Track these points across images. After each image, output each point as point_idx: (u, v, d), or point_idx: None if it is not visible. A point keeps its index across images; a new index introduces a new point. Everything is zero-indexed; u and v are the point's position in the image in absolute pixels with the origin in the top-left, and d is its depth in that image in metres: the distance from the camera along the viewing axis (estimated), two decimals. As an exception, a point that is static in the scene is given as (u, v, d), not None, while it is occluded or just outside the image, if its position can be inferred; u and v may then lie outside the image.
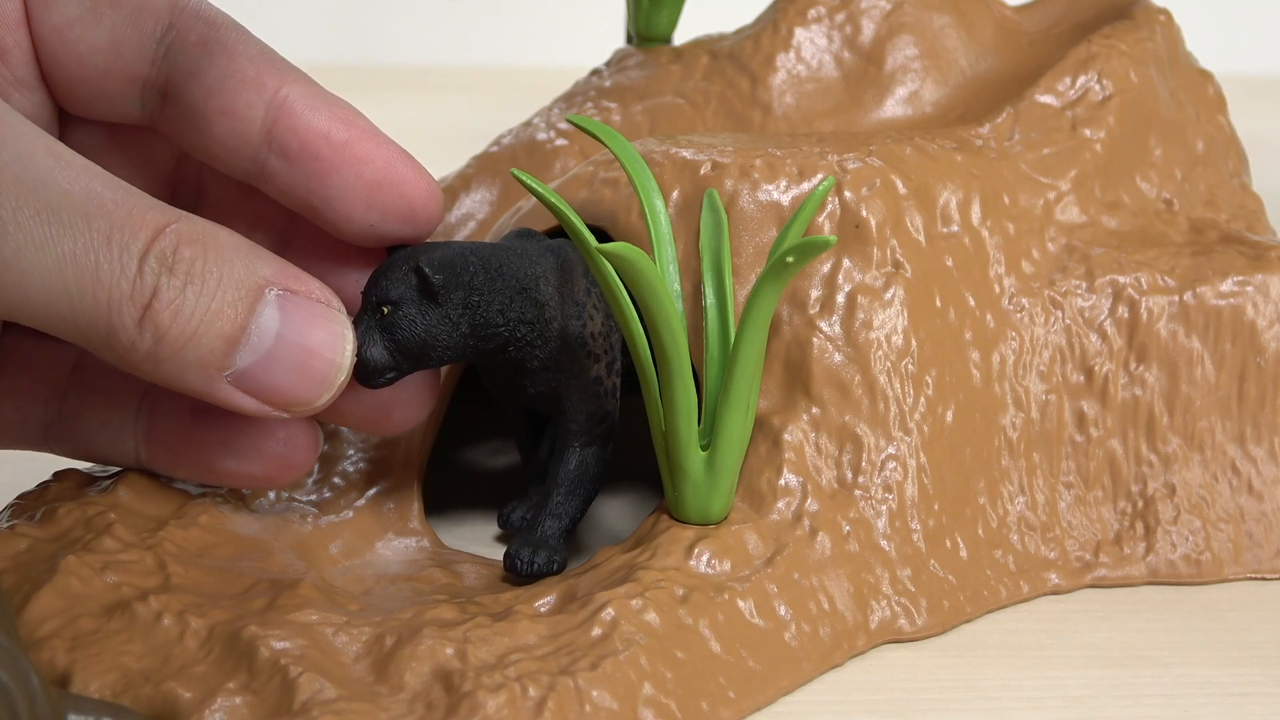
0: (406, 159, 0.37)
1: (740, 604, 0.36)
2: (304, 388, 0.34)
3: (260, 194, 0.38)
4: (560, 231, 0.41)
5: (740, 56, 0.49)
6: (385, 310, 0.36)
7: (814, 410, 0.38)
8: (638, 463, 0.44)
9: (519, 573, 0.38)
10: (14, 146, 0.32)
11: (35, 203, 0.32)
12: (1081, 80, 0.44)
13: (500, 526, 0.42)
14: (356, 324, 0.36)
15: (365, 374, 0.36)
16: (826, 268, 0.39)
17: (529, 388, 0.38)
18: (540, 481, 0.41)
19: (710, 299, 0.38)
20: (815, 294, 0.39)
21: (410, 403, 0.38)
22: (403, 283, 0.36)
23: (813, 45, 0.49)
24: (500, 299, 0.36)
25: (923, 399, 0.39)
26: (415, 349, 0.36)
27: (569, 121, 0.40)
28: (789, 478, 0.38)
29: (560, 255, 0.38)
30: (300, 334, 0.34)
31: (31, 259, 0.32)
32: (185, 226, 0.33)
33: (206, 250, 0.33)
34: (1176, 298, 0.42)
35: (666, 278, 0.39)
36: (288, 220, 0.39)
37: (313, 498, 0.40)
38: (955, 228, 0.41)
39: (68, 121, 0.38)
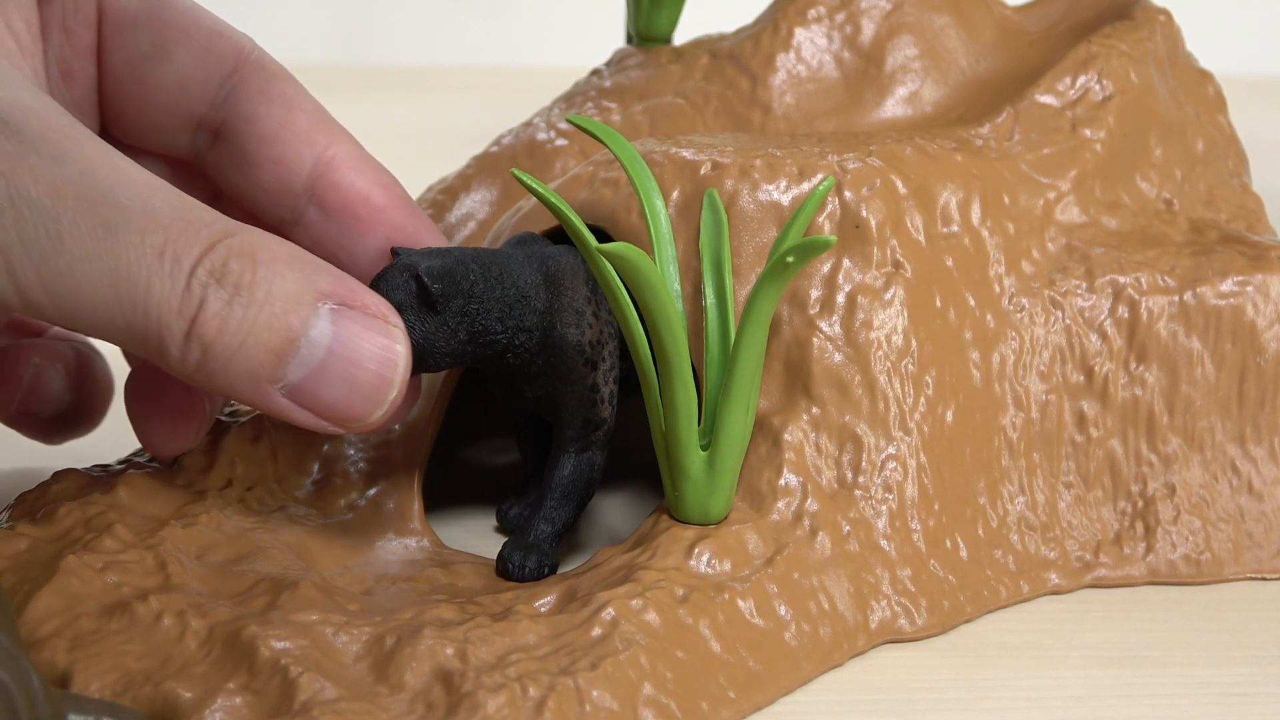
0: (433, 231, 0.39)
1: (740, 604, 0.36)
2: (356, 403, 0.34)
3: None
4: (562, 233, 0.41)
5: (740, 56, 0.49)
6: None
7: (814, 410, 0.38)
8: (638, 463, 0.44)
9: (511, 577, 0.38)
10: (78, 162, 0.33)
11: (93, 217, 0.32)
12: (1081, 80, 0.44)
13: (499, 521, 0.42)
14: None
15: None
16: (826, 268, 0.39)
17: (527, 392, 0.38)
18: (539, 480, 0.41)
19: (710, 299, 0.38)
20: (815, 294, 0.39)
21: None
22: (402, 289, 0.36)
23: (813, 45, 0.49)
24: (499, 307, 0.37)
25: (923, 399, 0.39)
26: (414, 355, 0.36)
27: (569, 121, 0.40)
28: (789, 478, 0.38)
29: (561, 261, 0.38)
30: (352, 349, 0.34)
31: (86, 272, 0.32)
32: (239, 240, 0.33)
33: (257, 263, 0.33)
34: (1176, 298, 0.42)
35: (666, 278, 0.39)
36: None
37: (313, 498, 0.40)
38: (955, 228, 0.41)
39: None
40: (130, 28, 0.39)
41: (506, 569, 0.38)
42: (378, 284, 0.36)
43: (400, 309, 0.36)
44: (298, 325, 0.33)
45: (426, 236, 0.39)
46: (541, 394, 0.38)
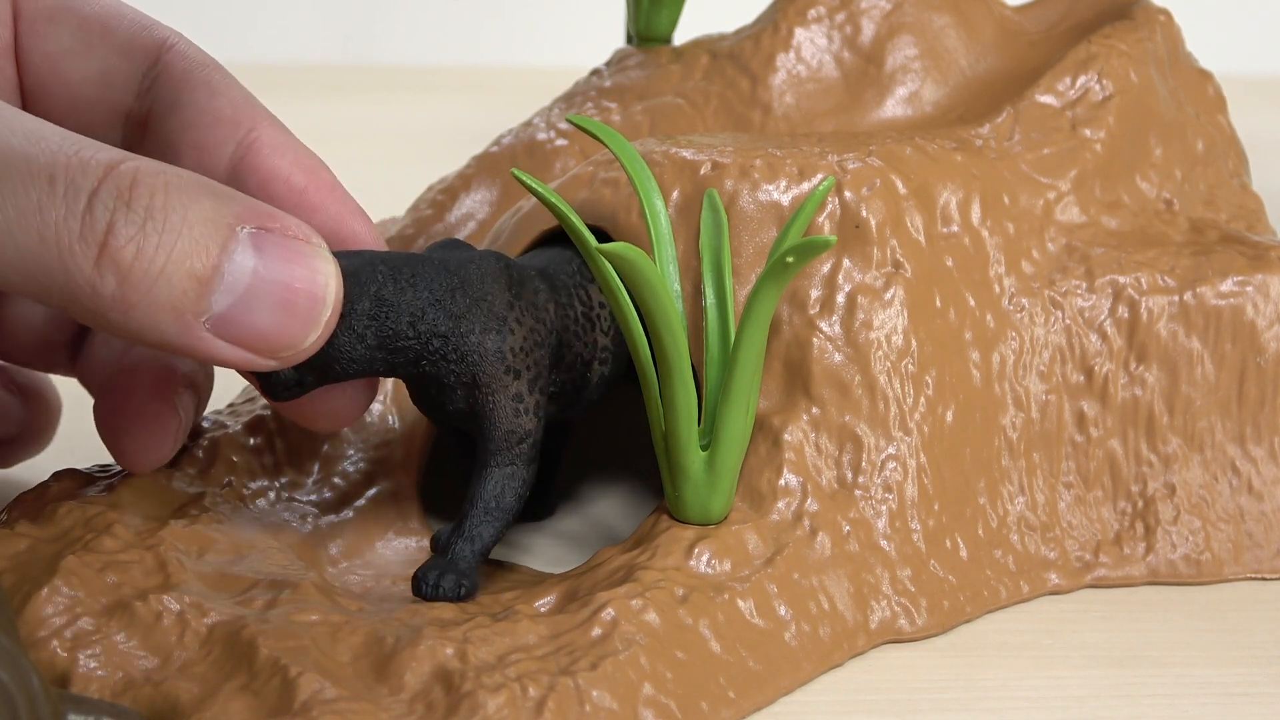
0: (359, 216, 0.37)
1: (740, 604, 0.36)
2: (288, 327, 0.33)
3: None
4: (559, 234, 0.41)
5: (740, 56, 0.49)
6: None
7: (814, 410, 0.38)
8: (638, 463, 0.44)
9: (424, 595, 0.36)
10: None
11: None
12: (1081, 80, 0.44)
13: (431, 549, 0.39)
14: None
15: (269, 387, 0.35)
16: (826, 268, 0.39)
17: (447, 405, 0.36)
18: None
19: (710, 299, 0.38)
20: (815, 294, 0.39)
21: (347, 399, 0.38)
22: None
23: (813, 45, 0.49)
24: (410, 310, 0.35)
25: (923, 399, 0.39)
26: (318, 361, 0.34)
27: (569, 121, 0.40)
28: (789, 478, 0.38)
29: (483, 266, 0.36)
30: (279, 270, 0.32)
31: None
32: (144, 165, 0.32)
33: (168, 186, 0.32)
34: (1176, 298, 0.42)
35: (666, 278, 0.39)
36: None
37: (313, 498, 0.40)
38: (955, 228, 0.41)
39: None
40: (47, 23, 0.38)
41: (420, 589, 0.36)
42: None
43: None
44: (218, 250, 0.32)
45: (347, 218, 0.37)
46: (462, 405, 0.36)
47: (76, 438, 0.46)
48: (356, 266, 0.35)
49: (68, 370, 0.42)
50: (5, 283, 0.32)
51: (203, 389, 0.40)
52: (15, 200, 0.31)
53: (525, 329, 0.36)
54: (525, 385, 0.36)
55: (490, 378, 0.36)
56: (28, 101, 0.39)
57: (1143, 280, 0.42)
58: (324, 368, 0.35)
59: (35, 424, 0.43)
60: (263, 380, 0.35)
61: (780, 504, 0.38)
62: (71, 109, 0.38)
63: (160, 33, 0.38)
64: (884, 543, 0.38)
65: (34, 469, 0.43)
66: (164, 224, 0.31)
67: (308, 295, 0.33)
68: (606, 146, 0.39)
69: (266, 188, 0.36)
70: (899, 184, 0.40)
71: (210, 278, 0.32)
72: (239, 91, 0.38)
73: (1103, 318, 0.42)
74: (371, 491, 0.41)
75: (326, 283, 0.33)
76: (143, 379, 0.38)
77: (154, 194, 0.31)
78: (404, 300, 0.35)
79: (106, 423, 0.38)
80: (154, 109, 0.38)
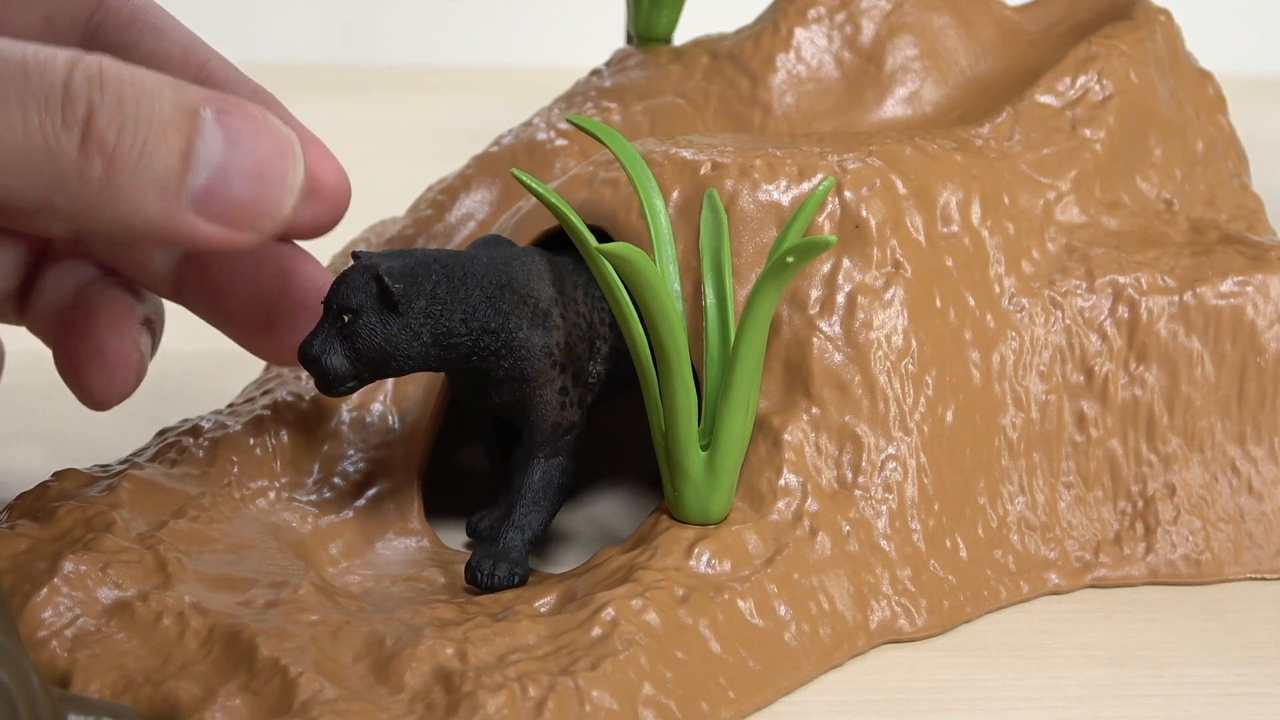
0: (317, 143, 0.38)
1: (740, 604, 0.36)
2: (265, 195, 0.33)
3: None
4: (559, 234, 0.41)
5: (740, 56, 0.49)
6: (346, 318, 0.35)
7: (814, 410, 0.38)
8: (638, 463, 0.44)
9: (479, 585, 0.37)
10: None
11: None
12: (1081, 80, 0.44)
13: (469, 535, 0.41)
14: (318, 331, 0.36)
15: (326, 383, 0.36)
16: (826, 268, 0.39)
17: (494, 397, 0.38)
18: (508, 489, 0.41)
19: (710, 299, 0.38)
20: (815, 294, 0.39)
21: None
22: (363, 291, 0.35)
23: (813, 45, 0.49)
24: (463, 308, 0.36)
25: (923, 399, 0.39)
26: (376, 358, 0.35)
27: (569, 121, 0.40)
28: (789, 478, 0.38)
29: (528, 263, 0.38)
30: (248, 143, 0.33)
31: None
32: (104, 56, 0.32)
33: (134, 76, 0.32)
34: (1176, 298, 0.42)
35: (666, 278, 0.39)
36: None
37: (313, 498, 0.40)
38: (955, 228, 0.41)
39: None
40: None
41: (475, 577, 0.37)
42: (338, 286, 0.36)
43: (361, 311, 0.35)
44: (189, 129, 0.32)
45: (309, 145, 0.37)
46: (509, 399, 0.38)
47: (77, 437, 0.46)
48: (412, 265, 0.36)
49: (16, 319, 0.42)
50: None
51: (156, 327, 0.41)
52: None
53: (569, 324, 0.38)
54: (570, 379, 0.38)
55: (538, 372, 0.37)
56: None
57: (1143, 280, 0.42)
58: (379, 364, 0.36)
59: None
60: (319, 376, 0.36)
61: (780, 504, 0.38)
62: None
63: None
64: (884, 543, 0.38)
65: (34, 469, 0.43)
66: (137, 106, 0.32)
67: (278, 161, 0.33)
68: (606, 146, 0.39)
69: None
70: (899, 184, 0.40)
71: (189, 152, 0.32)
72: (183, 31, 0.38)
73: (1103, 318, 0.42)
74: (371, 491, 0.41)
75: (292, 149, 0.34)
76: (99, 316, 0.39)
77: (122, 80, 0.32)
78: (457, 298, 0.36)
79: (67, 361, 0.39)
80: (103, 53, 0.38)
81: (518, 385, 0.37)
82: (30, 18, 0.38)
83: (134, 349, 0.39)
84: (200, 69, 0.38)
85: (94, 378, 0.39)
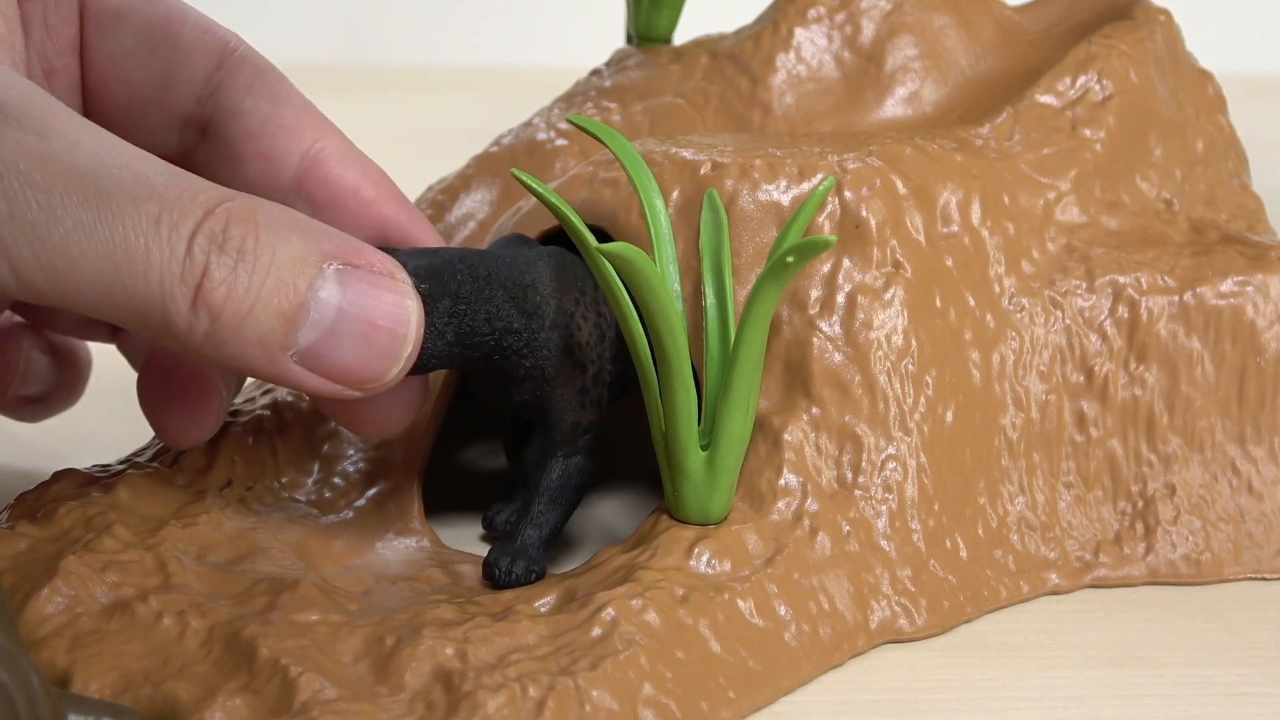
0: (427, 227, 0.39)
1: (740, 604, 0.36)
2: (371, 362, 0.34)
3: None
4: (559, 234, 0.41)
5: (740, 56, 0.49)
6: None
7: (814, 410, 0.38)
8: (638, 463, 0.44)
9: (497, 581, 0.37)
10: (64, 136, 0.32)
11: (84, 189, 0.32)
12: (1081, 80, 0.45)
13: (485, 529, 0.42)
14: None
15: None
16: (826, 268, 0.39)
17: (515, 395, 0.38)
18: (525, 486, 0.41)
19: (710, 299, 0.38)
20: (815, 294, 0.39)
21: (401, 406, 0.38)
22: None
23: (813, 45, 0.49)
24: (487, 308, 0.36)
25: (923, 399, 0.39)
26: None
27: (569, 121, 0.40)
28: (789, 478, 0.38)
29: (550, 263, 0.38)
30: (363, 307, 0.33)
31: (82, 245, 0.32)
32: (237, 205, 0.33)
33: (259, 227, 0.33)
34: (1176, 298, 0.42)
35: (666, 278, 0.39)
36: None
37: (313, 498, 0.40)
38: (955, 228, 0.41)
39: None
40: (113, 23, 0.39)
41: (493, 574, 0.37)
42: None
43: None
44: (305, 287, 0.33)
45: (417, 229, 0.38)
46: (530, 397, 0.38)
47: (77, 437, 0.46)
48: (438, 265, 0.36)
49: (108, 340, 0.43)
50: (108, 317, 0.33)
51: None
52: (126, 245, 0.32)
53: (590, 324, 0.38)
54: (590, 378, 0.38)
55: (559, 371, 0.37)
56: (88, 100, 0.39)
57: (1143, 280, 0.42)
58: None
59: (66, 383, 0.44)
60: None
61: (780, 504, 0.38)
62: (130, 109, 0.39)
63: (223, 36, 0.39)
64: (884, 543, 0.38)
65: (34, 469, 0.43)
66: (254, 264, 0.33)
67: (390, 331, 0.34)
68: (606, 146, 0.39)
69: (337, 200, 0.38)
70: (899, 184, 0.40)
71: (296, 315, 0.33)
72: (301, 100, 0.39)
73: (1103, 318, 0.42)
74: (371, 491, 0.41)
75: (409, 318, 0.34)
76: (186, 357, 0.39)
77: (245, 235, 0.33)
78: (481, 298, 0.36)
79: (150, 399, 0.39)
80: (215, 116, 0.38)
81: (539, 384, 0.37)
82: (148, 73, 0.39)
83: (215, 392, 0.39)
84: (313, 144, 0.38)
85: (173, 417, 0.39)
